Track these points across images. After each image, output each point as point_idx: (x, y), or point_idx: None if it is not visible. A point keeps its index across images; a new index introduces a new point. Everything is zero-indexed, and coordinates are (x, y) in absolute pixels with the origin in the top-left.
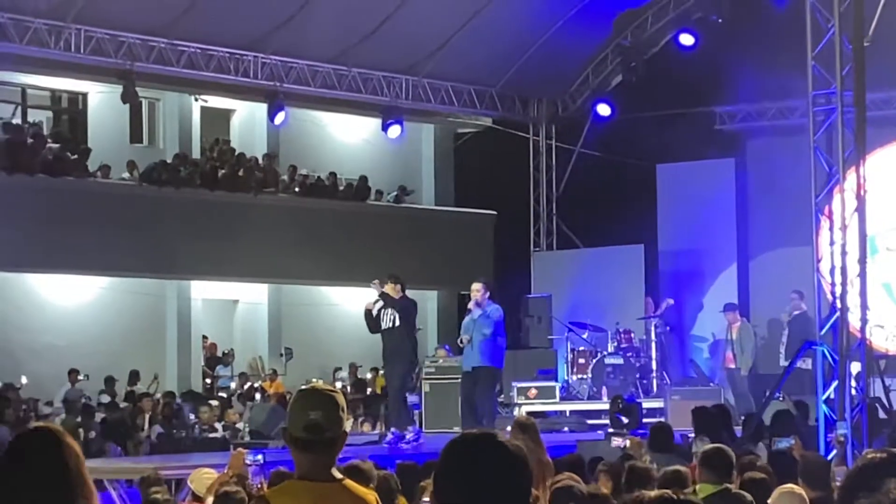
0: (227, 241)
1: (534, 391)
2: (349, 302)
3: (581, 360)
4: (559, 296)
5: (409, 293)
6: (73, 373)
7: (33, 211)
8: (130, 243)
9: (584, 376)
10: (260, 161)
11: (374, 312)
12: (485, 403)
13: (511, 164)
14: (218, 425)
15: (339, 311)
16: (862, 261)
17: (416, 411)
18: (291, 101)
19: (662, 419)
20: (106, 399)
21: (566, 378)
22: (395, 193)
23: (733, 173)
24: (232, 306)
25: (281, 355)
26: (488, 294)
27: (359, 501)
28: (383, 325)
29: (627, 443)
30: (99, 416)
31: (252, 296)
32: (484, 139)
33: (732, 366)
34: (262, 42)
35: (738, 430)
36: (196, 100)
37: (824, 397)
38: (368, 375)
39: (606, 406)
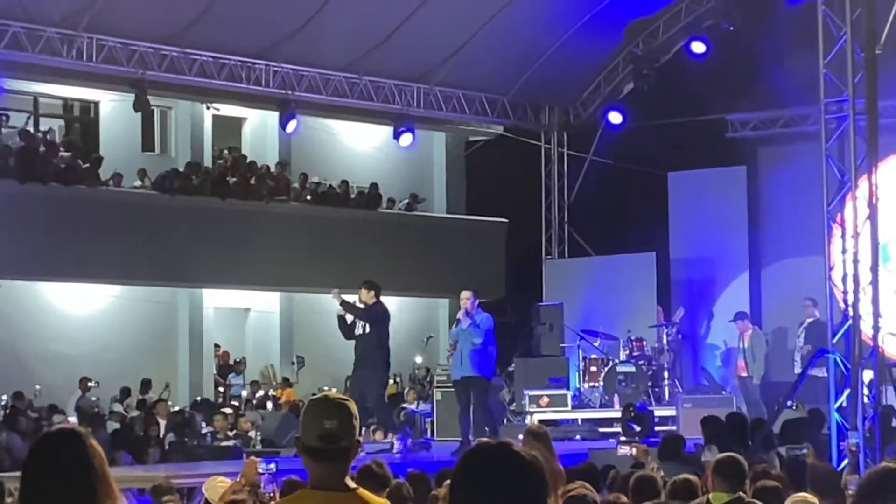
0: (238, 250)
1: (545, 399)
2: None
3: (593, 368)
4: (571, 304)
5: (421, 301)
6: (83, 381)
7: (45, 219)
8: (142, 252)
9: (596, 384)
10: (272, 169)
11: (350, 319)
12: (485, 415)
13: (522, 172)
14: (230, 433)
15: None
16: (874, 269)
17: (428, 419)
18: (303, 110)
19: (675, 427)
20: (118, 408)
21: (578, 386)
22: (406, 201)
23: (745, 181)
24: (244, 314)
25: (293, 363)
26: (477, 303)
27: None
28: (357, 332)
29: (634, 451)
30: (111, 426)
31: (264, 304)
32: (495, 147)
33: (744, 374)
34: (273, 50)
35: None
36: (208, 108)
37: (837, 405)
38: None
39: (618, 414)
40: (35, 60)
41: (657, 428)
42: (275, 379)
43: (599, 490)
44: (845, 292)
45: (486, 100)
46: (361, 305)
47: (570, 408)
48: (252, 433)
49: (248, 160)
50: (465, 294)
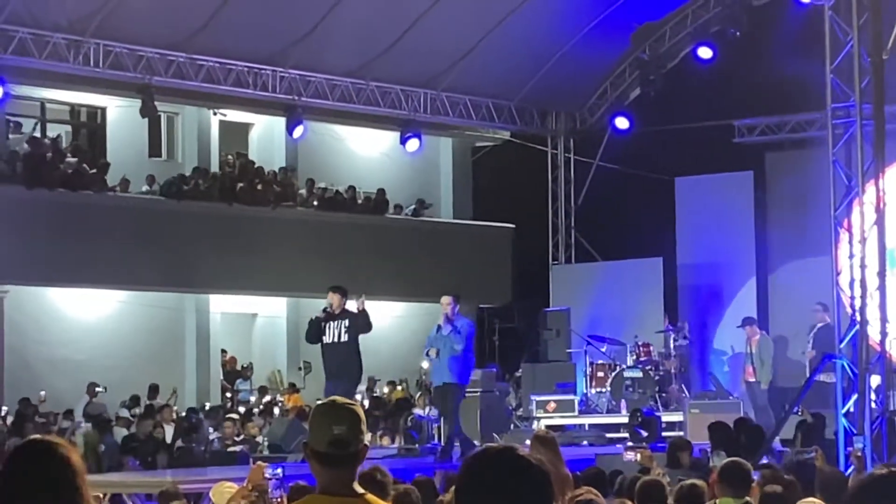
0: (245, 255)
1: (552, 405)
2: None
3: (600, 374)
4: (578, 309)
5: (427, 306)
6: (91, 386)
7: (52, 225)
8: (149, 257)
9: (603, 390)
10: (278, 175)
11: (319, 322)
12: (454, 421)
13: (529, 177)
14: (237, 438)
15: None
16: (881, 274)
17: (436, 425)
18: (310, 115)
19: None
20: (125, 413)
21: (585, 391)
22: (413, 207)
23: (752, 186)
24: (251, 320)
25: (300, 369)
26: (457, 308)
27: None
28: (326, 339)
29: (638, 456)
30: (118, 431)
31: (271, 309)
32: (502, 152)
33: (752, 379)
34: (280, 56)
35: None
36: (214, 114)
37: (844, 411)
38: (386, 389)
39: (625, 419)
40: (42, 66)
41: (664, 433)
42: (282, 384)
43: (606, 495)
44: (852, 297)
45: (493, 105)
46: (330, 311)
47: (577, 413)
48: (259, 438)
49: (254, 166)
50: (446, 299)
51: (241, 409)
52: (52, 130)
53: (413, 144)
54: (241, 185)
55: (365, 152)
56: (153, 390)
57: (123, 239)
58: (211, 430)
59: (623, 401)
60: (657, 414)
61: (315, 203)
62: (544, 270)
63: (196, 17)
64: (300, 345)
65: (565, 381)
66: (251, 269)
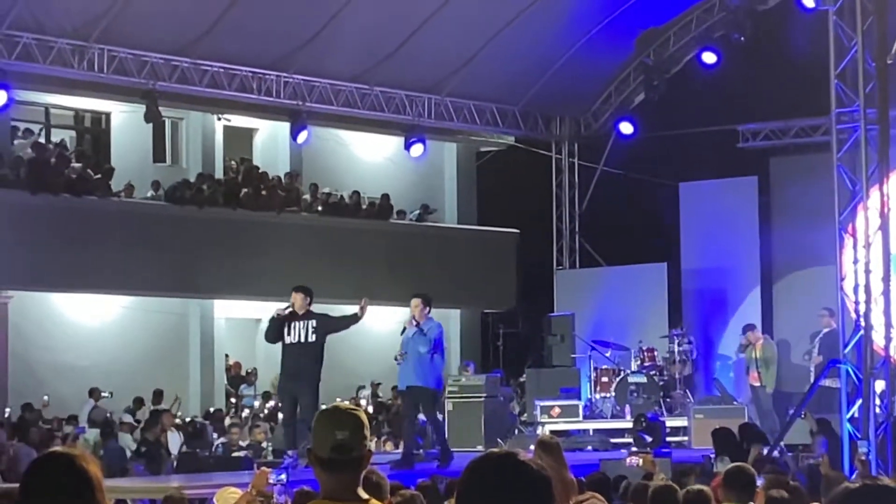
0: (249, 260)
1: (557, 410)
2: (372, 321)
3: (604, 379)
4: (582, 314)
5: (433, 312)
6: (95, 391)
7: (57, 230)
8: (153, 262)
9: (608, 395)
10: (282, 180)
11: (282, 322)
12: (438, 428)
13: (534, 182)
14: (242, 444)
15: (361, 330)
16: (886, 279)
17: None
18: (314, 120)
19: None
20: (129, 418)
21: (589, 396)
22: (417, 212)
23: (756, 191)
24: (255, 325)
25: None
26: (428, 310)
27: None
28: (290, 339)
29: (640, 461)
30: (123, 436)
31: None
32: (506, 157)
33: (757, 383)
34: (284, 61)
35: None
36: (219, 119)
37: (849, 416)
38: (389, 394)
39: (630, 425)
40: (46, 72)
41: (668, 438)
42: None
43: (612, 501)
44: (857, 302)
45: (498, 110)
46: (293, 311)
47: (581, 418)
48: (264, 444)
49: (259, 171)
50: (415, 301)
51: (245, 414)
52: (57, 136)
53: (417, 149)
54: (245, 190)
55: (369, 157)
56: (158, 395)
57: (127, 244)
58: (215, 435)
59: (627, 406)
60: (661, 419)
61: (319, 208)
62: (549, 275)
63: (200, 22)
64: None
65: (570, 387)
66: (255, 275)
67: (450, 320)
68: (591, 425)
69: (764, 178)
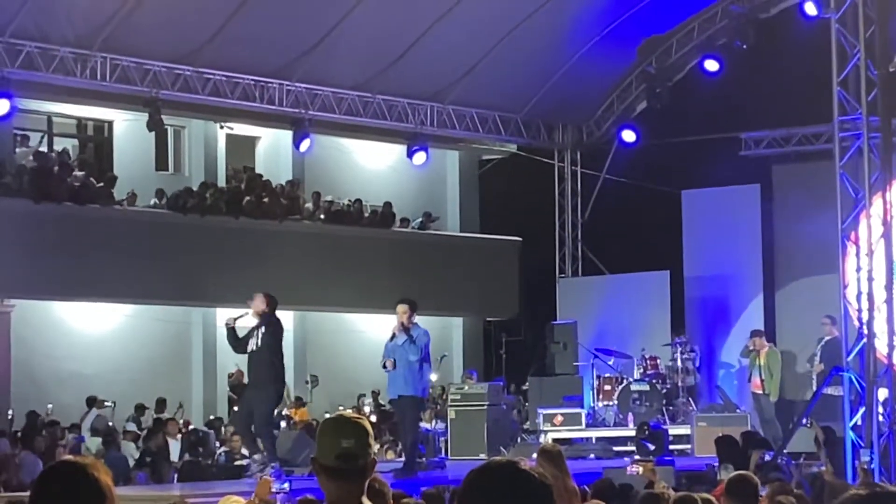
0: (252, 269)
1: (559, 418)
2: (374, 329)
3: (607, 387)
4: (585, 322)
5: (434, 320)
6: (94, 400)
7: (59, 239)
8: (156, 271)
9: (610, 403)
10: (285, 188)
11: (241, 334)
12: (409, 436)
13: (536, 190)
14: (245, 452)
15: (364, 338)
16: (889, 287)
17: (443, 438)
18: (316, 129)
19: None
20: (132, 427)
21: (592, 405)
22: (420, 220)
23: (759, 199)
24: None
25: (306, 382)
26: (414, 317)
27: None
28: (250, 348)
29: (640, 469)
30: (126, 444)
31: None
32: (509, 165)
33: (760, 391)
34: (287, 70)
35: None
36: (221, 127)
37: (852, 424)
38: None
39: (632, 433)
40: (49, 80)
41: (671, 447)
42: (288, 398)
43: None
44: (860, 310)
45: (500, 118)
46: (255, 318)
47: (584, 426)
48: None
49: (261, 179)
50: (402, 307)
51: None
52: (59, 144)
53: (420, 157)
54: (247, 198)
55: (372, 165)
56: (160, 404)
57: (130, 253)
58: (218, 443)
59: (630, 414)
60: (664, 427)
61: (322, 216)
62: (551, 283)
63: (203, 30)
64: (307, 358)
65: (572, 395)
66: (258, 283)
67: (452, 328)
68: (593, 433)
69: (766, 185)
